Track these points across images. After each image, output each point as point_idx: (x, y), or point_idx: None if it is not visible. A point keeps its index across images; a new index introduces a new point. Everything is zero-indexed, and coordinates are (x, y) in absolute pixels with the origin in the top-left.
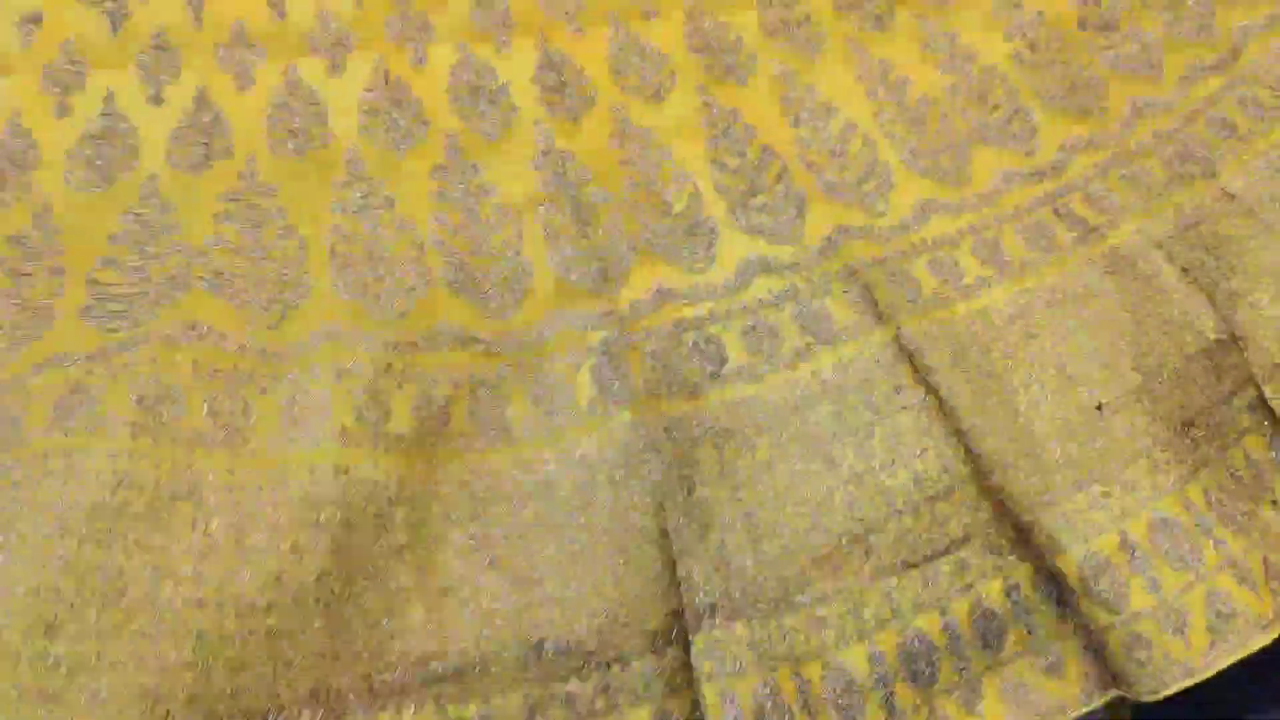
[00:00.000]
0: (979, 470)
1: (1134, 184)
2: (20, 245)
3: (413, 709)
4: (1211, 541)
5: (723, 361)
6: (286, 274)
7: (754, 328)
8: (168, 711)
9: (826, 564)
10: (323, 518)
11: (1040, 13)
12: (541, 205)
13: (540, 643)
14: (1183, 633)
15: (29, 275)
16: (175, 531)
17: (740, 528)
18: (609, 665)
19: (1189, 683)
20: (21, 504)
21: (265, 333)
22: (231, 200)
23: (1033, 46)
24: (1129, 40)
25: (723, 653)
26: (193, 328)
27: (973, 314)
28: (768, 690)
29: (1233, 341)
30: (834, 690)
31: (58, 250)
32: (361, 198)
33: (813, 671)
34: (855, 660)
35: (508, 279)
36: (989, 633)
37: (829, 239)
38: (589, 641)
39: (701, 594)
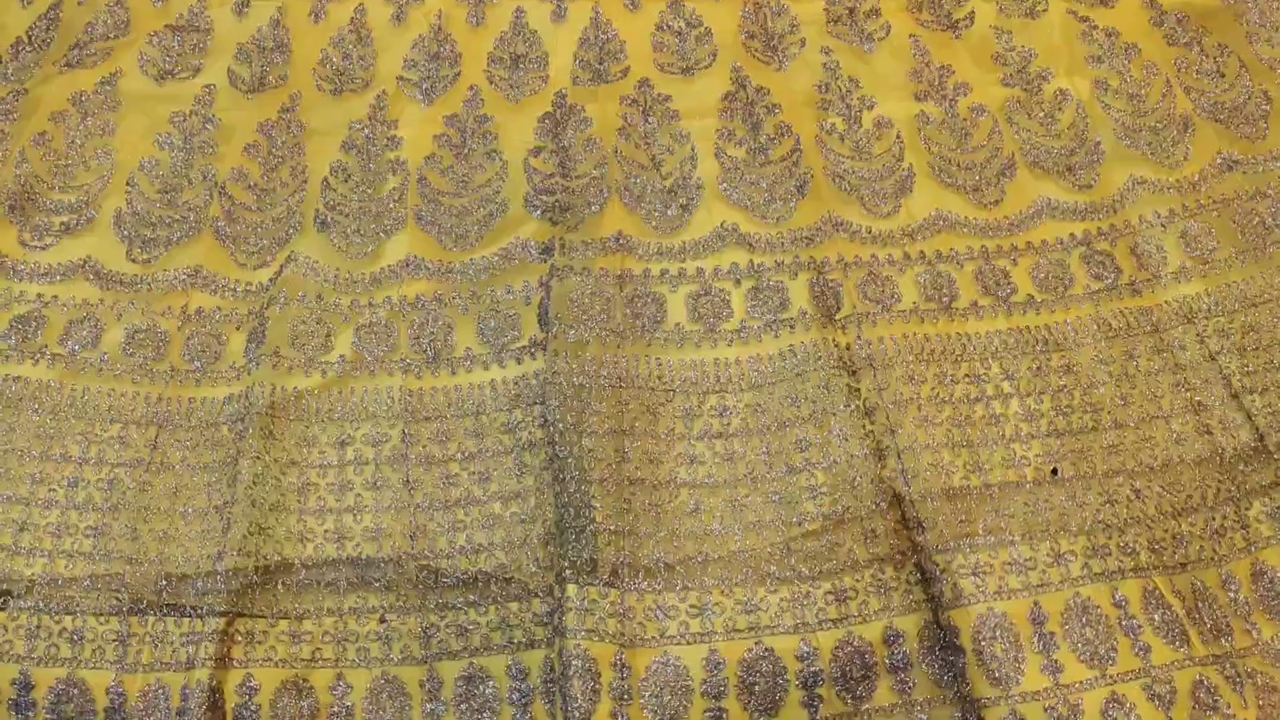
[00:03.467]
0: (897, 498)
1: (1194, 245)
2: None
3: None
4: (1133, 645)
5: (658, 321)
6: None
7: (704, 296)
8: None
9: (691, 557)
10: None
11: (1136, 45)
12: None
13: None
14: None
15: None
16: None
17: (615, 489)
18: (507, 601)
19: None
20: None
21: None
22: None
23: (1123, 77)
24: (1235, 88)
25: (564, 611)
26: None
27: (949, 337)
28: (579, 659)
29: (1255, 443)
30: (658, 683)
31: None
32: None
33: (640, 659)
34: (690, 659)
35: (486, 215)
36: (854, 677)
37: (818, 226)
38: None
39: (558, 548)
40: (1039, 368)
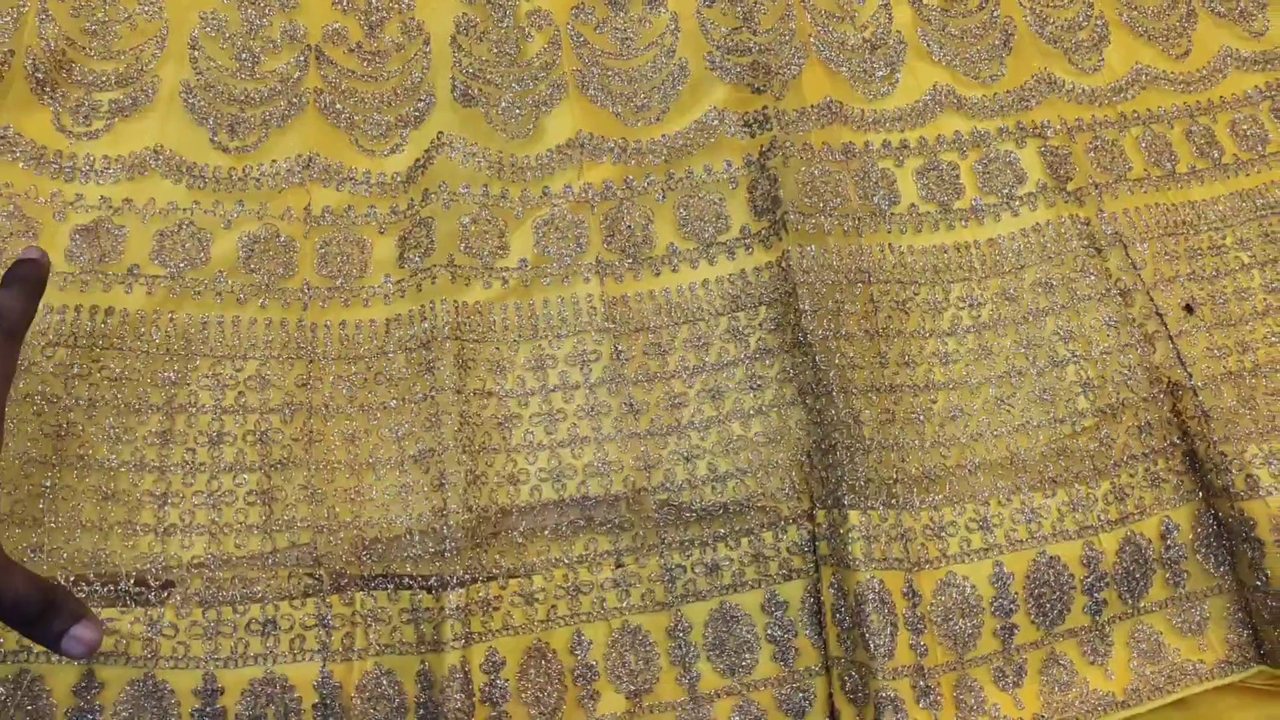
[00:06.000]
0: (1173, 386)
1: None
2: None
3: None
4: None
5: (893, 200)
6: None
7: (932, 170)
8: None
9: (959, 466)
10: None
11: None
12: None
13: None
14: None
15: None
16: None
17: (877, 399)
18: (760, 531)
19: None
20: None
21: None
22: None
23: None
24: None
25: (839, 540)
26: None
27: (1180, 206)
28: (874, 592)
29: None
30: (946, 607)
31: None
32: None
33: (926, 584)
34: (976, 578)
35: (664, 80)
36: (1134, 575)
37: (1032, 86)
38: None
39: (827, 470)
40: (1265, 233)
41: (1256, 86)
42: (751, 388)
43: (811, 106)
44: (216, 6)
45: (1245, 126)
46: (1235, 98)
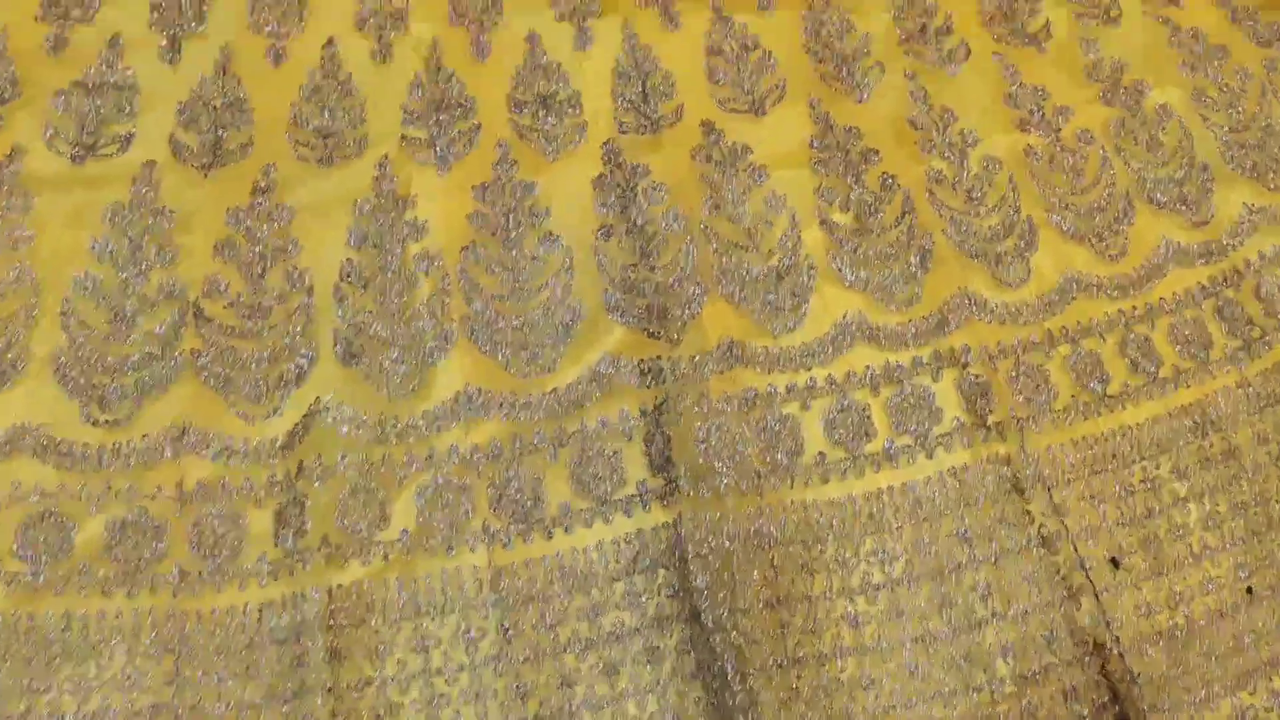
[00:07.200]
0: (1098, 647)
1: None
2: None
3: None
4: None
5: (796, 452)
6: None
7: (841, 412)
8: None
9: None
10: None
11: (1225, 48)
12: (597, 230)
13: None
14: None
15: None
16: None
17: (779, 676)
18: None
19: None
20: None
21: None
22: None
23: (1219, 86)
24: None
25: None
26: None
27: (1113, 435)
28: None
29: None
30: None
31: None
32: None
33: None
34: None
35: (557, 326)
36: None
37: (952, 307)
38: None
39: None
40: (1205, 458)
41: (1199, 283)
42: (648, 661)
43: (710, 352)
44: (90, 266)
45: (1186, 331)
46: (1176, 298)
